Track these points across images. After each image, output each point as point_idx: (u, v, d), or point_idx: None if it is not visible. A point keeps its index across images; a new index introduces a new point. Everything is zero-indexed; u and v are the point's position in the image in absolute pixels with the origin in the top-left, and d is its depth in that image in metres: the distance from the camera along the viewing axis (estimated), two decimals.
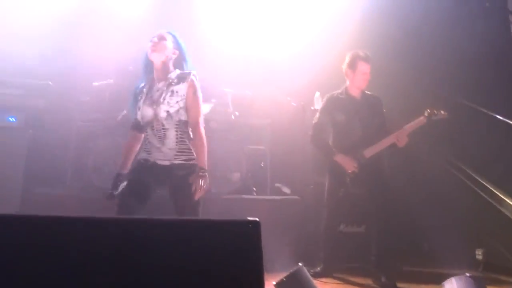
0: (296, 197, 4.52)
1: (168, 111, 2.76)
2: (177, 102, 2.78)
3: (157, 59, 2.83)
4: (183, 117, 2.82)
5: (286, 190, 4.83)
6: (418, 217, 4.47)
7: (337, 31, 5.09)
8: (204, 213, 4.10)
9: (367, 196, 3.77)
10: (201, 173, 2.71)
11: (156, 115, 2.78)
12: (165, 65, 2.85)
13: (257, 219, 1.31)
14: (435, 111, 3.77)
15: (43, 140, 4.27)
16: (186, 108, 2.82)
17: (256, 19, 5.69)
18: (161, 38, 2.84)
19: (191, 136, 2.83)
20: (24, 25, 4.37)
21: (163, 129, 2.79)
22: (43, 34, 4.34)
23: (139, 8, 5.11)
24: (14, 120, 4.27)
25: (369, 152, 3.79)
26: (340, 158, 3.79)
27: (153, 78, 2.90)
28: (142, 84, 2.93)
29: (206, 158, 2.77)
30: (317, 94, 4.57)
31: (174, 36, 2.92)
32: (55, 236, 1.26)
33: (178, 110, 2.79)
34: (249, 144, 5.00)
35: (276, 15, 5.73)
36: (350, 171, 3.74)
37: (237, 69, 5.22)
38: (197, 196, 2.67)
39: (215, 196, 4.40)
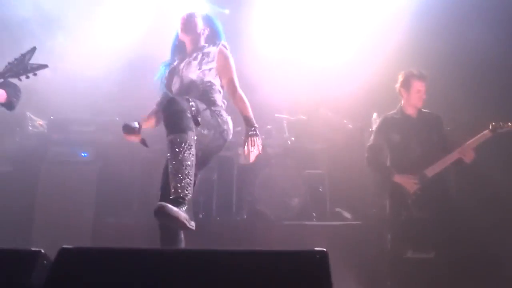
0: (358, 222, 4.40)
1: (194, 77, 2.65)
2: (207, 63, 2.68)
3: (187, 37, 2.80)
4: (212, 79, 2.69)
5: (347, 214, 4.71)
6: (490, 243, 4.14)
7: (393, 49, 4.98)
8: (265, 240, 4.16)
9: (435, 221, 3.57)
10: (252, 132, 2.58)
11: (181, 82, 2.68)
12: (195, 42, 2.81)
13: (325, 250, 1.30)
14: (501, 124, 3.54)
15: (112, 172, 4.52)
16: (218, 70, 2.72)
17: (308, 41, 5.74)
18: (190, 16, 2.82)
19: (219, 103, 2.69)
20: (92, 67, 4.72)
21: (185, 90, 2.66)
22: (110, 74, 4.65)
23: None
24: (86, 155, 4.58)
25: (431, 171, 3.61)
26: (400, 179, 3.64)
27: (184, 56, 2.83)
28: (175, 62, 2.86)
29: (252, 115, 2.66)
30: (375, 115, 4.47)
31: (205, 15, 2.92)
32: (132, 268, 1.33)
33: (209, 70, 2.68)
34: (307, 168, 4.98)
35: (328, 37, 5.73)
36: (411, 192, 3.59)
37: (291, 95, 5.27)
38: (253, 157, 2.55)
39: (274, 223, 4.40)
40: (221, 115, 2.61)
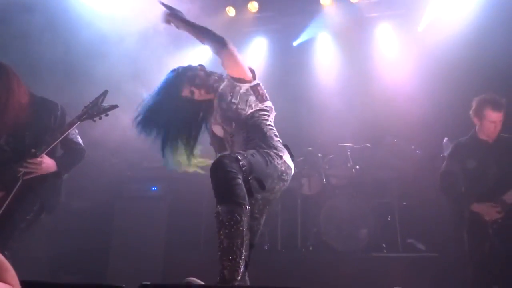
0: (433, 254, 4.11)
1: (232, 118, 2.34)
2: (228, 93, 2.35)
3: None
4: (248, 107, 2.33)
5: (421, 246, 4.43)
6: None
7: (464, 71, 4.75)
8: (332, 273, 4.02)
9: None
10: None
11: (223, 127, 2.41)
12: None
13: None
14: None
15: (180, 206, 4.69)
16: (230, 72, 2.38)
17: (371, 67, 5.69)
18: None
19: (270, 139, 2.30)
20: None
21: (231, 138, 2.40)
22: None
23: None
24: (156, 189, 4.82)
25: (510, 197, 3.31)
26: (478, 207, 3.36)
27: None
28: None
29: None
30: (445, 140, 4.23)
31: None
32: None
33: (236, 100, 2.33)
34: (374, 198, 4.80)
35: (392, 62, 5.64)
36: (491, 220, 3.30)
37: (355, 123, 5.19)
38: None
39: (342, 255, 4.26)
40: (275, 158, 2.22)
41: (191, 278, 1.91)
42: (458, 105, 4.08)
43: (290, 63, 5.96)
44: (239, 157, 2.04)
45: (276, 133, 2.37)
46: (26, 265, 3.41)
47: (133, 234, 4.53)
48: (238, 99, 2.33)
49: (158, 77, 2.49)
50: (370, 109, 5.26)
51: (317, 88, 5.76)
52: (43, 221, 3.11)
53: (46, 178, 2.82)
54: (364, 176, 4.88)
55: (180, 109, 2.43)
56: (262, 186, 2.11)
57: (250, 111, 2.32)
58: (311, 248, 4.51)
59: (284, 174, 2.23)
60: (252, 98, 2.35)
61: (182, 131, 2.49)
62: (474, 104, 3.56)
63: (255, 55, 5.98)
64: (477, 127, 3.58)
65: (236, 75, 2.36)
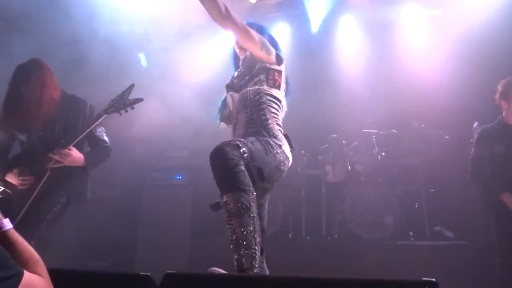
0: (462, 242, 4.01)
1: (240, 93, 2.32)
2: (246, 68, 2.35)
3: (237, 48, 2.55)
4: (257, 84, 2.31)
5: (449, 234, 4.33)
6: None
7: (492, 53, 4.56)
8: (358, 262, 3.99)
9: None
10: None
11: (232, 102, 2.37)
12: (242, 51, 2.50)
13: (434, 280, 1.18)
14: None
15: (204, 195, 4.73)
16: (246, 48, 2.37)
17: (396, 52, 5.53)
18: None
19: (272, 126, 2.26)
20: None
21: (236, 115, 2.35)
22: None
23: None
24: (180, 177, 4.88)
25: None
26: (508, 198, 3.29)
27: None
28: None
29: None
30: (476, 124, 4.09)
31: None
32: None
33: (249, 74, 2.33)
34: (400, 185, 4.72)
35: (418, 47, 5.47)
36: None
37: (379, 109, 5.07)
38: None
39: (367, 243, 4.21)
40: (274, 147, 2.17)
41: (214, 268, 1.91)
42: (488, 88, 3.92)
43: (313, 49, 5.86)
44: (240, 144, 2.00)
45: (280, 122, 2.33)
46: (57, 253, 3.54)
47: (159, 221, 4.61)
48: (250, 73, 2.32)
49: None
50: (396, 94, 5.12)
51: (341, 74, 5.65)
52: (72, 212, 3.22)
53: (73, 172, 2.91)
54: (390, 163, 4.80)
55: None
56: (261, 176, 2.08)
57: (255, 88, 2.29)
58: (336, 236, 4.48)
59: (282, 164, 2.19)
60: (262, 77, 2.31)
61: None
62: (500, 87, 3.47)
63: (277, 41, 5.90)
64: (504, 113, 3.50)
65: (251, 50, 2.32)
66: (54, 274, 1.33)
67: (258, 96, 2.27)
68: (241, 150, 1.97)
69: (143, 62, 5.49)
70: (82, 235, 4.61)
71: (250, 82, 2.30)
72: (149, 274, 1.55)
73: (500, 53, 4.51)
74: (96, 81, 4.09)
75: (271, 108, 2.29)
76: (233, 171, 1.90)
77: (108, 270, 4.47)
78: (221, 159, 1.92)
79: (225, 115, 2.46)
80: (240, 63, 2.43)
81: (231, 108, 2.37)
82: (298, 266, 4.06)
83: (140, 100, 2.85)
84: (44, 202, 2.76)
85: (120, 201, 4.88)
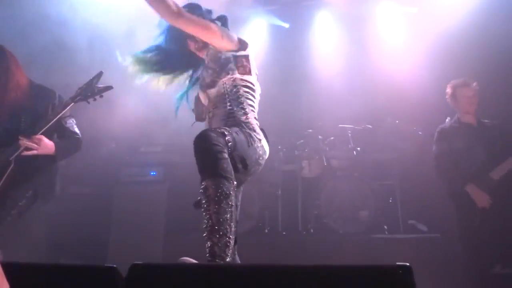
0: (436, 234, 4.09)
1: (215, 87, 2.25)
2: (213, 61, 2.26)
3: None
4: (230, 78, 2.24)
5: (422, 227, 4.40)
6: None
7: (463, 52, 4.68)
8: (334, 256, 4.00)
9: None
10: None
11: (208, 98, 2.30)
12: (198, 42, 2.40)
13: (408, 264, 1.17)
14: None
15: (179, 191, 4.65)
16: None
17: (371, 47, 5.58)
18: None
19: (250, 116, 2.23)
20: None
21: (212, 110, 2.30)
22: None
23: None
24: (154, 174, 4.78)
25: (497, 174, 3.48)
26: (471, 189, 3.49)
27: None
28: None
29: None
30: (448, 119, 4.17)
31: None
32: (200, 284, 1.31)
33: (219, 68, 2.25)
34: (375, 179, 4.77)
35: (392, 43, 5.55)
36: (480, 206, 3.45)
37: (355, 104, 5.11)
38: None
39: (343, 237, 4.23)
40: (256, 140, 2.17)
41: (184, 258, 1.86)
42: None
43: (290, 44, 5.86)
44: (225, 132, 1.96)
45: (256, 116, 2.29)
46: (26, 251, 3.41)
47: (132, 219, 4.51)
48: (219, 66, 2.24)
49: None
50: (371, 90, 5.18)
51: (317, 70, 5.67)
52: (41, 208, 3.08)
53: (40, 165, 2.78)
54: (365, 158, 4.84)
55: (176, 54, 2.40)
56: (244, 166, 2.05)
57: (228, 78, 2.23)
58: (312, 230, 4.49)
59: (260, 158, 2.18)
60: (231, 66, 2.25)
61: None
62: (447, 90, 3.82)
63: (253, 36, 5.87)
64: (458, 112, 3.80)
65: (213, 41, 2.22)
66: (13, 268, 1.25)
67: (235, 89, 2.23)
68: (226, 138, 1.94)
69: (119, 58, 5.34)
70: (52, 233, 4.46)
71: (221, 74, 2.24)
72: (115, 266, 1.48)
73: (473, 51, 4.61)
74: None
75: (248, 101, 2.25)
76: (217, 157, 1.86)
77: None
78: (206, 144, 1.87)
79: (198, 113, 2.40)
80: (206, 61, 2.31)
81: (206, 104, 2.32)
82: (274, 261, 4.04)
83: (109, 88, 2.73)
84: (8, 197, 2.63)
85: (92, 198, 4.74)
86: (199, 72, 2.44)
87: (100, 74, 2.75)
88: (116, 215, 4.62)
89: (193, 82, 2.50)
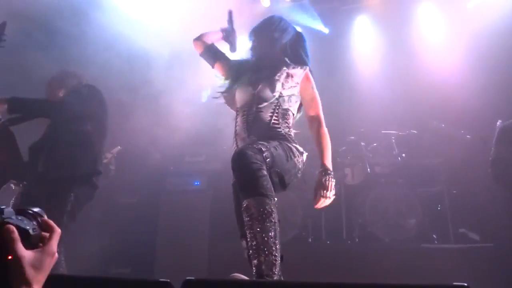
0: (488, 244, 3.89)
1: (271, 100, 2.27)
2: (290, 87, 2.32)
3: (263, 44, 2.50)
4: (291, 106, 2.33)
5: (475, 236, 4.20)
6: None
7: (504, 50, 4.45)
8: (380, 266, 3.90)
9: None
10: (329, 176, 2.19)
11: (253, 101, 2.29)
12: (274, 53, 2.50)
13: (466, 285, 1.13)
14: None
15: (223, 199, 4.72)
16: (304, 100, 2.37)
17: (415, 51, 5.44)
18: (277, 19, 2.54)
19: (292, 134, 2.28)
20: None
21: (255, 109, 2.28)
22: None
23: None
24: (198, 183, 4.88)
25: None
26: None
27: (257, 67, 2.52)
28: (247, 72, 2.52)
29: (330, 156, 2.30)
30: (499, 122, 3.97)
31: (288, 22, 2.61)
32: None
33: (289, 97, 2.31)
34: (422, 186, 4.61)
35: (439, 44, 5.37)
36: None
37: (398, 109, 4.99)
38: (322, 205, 2.22)
39: (389, 246, 4.12)
40: (296, 154, 2.18)
41: (236, 274, 1.89)
42: (510, 84, 3.82)
43: (328, 50, 5.81)
44: (263, 148, 1.97)
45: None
46: (78, 258, 3.58)
47: (178, 227, 4.62)
48: (292, 91, 2.30)
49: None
50: (414, 94, 5.04)
51: (358, 75, 5.60)
52: (91, 217, 3.19)
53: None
54: (410, 164, 4.70)
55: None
56: (282, 182, 2.05)
57: (289, 98, 2.28)
58: (357, 239, 4.40)
59: (299, 172, 2.20)
60: (296, 93, 2.32)
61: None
62: None
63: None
64: None
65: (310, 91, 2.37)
66: (71, 282, 1.33)
67: (287, 108, 2.27)
68: (264, 155, 1.95)
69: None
70: (104, 241, 4.66)
71: (284, 87, 2.27)
72: (168, 280, 1.53)
73: None
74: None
75: (290, 121, 2.31)
76: (256, 175, 1.87)
77: (129, 276, 4.50)
78: (244, 163, 1.89)
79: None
80: (283, 72, 2.33)
81: (246, 98, 2.30)
82: (318, 270, 3.99)
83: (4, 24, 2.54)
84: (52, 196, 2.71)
85: (140, 207, 4.91)
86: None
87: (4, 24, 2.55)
88: (162, 224, 4.76)
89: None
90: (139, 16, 4.68)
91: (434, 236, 4.18)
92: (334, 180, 2.20)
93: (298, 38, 2.50)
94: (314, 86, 2.38)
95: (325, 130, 2.32)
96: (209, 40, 2.53)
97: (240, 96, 2.34)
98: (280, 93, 2.26)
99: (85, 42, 4.16)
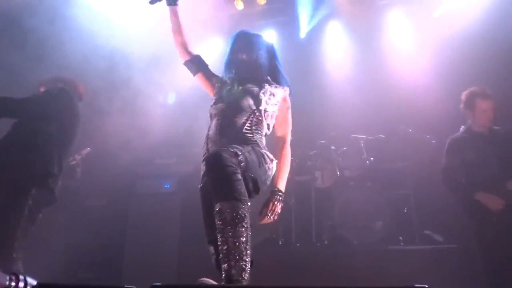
0: (452, 245, 4.03)
1: (249, 110, 2.31)
2: (272, 104, 2.37)
3: (247, 60, 2.55)
4: (268, 121, 2.38)
5: (438, 237, 4.34)
6: None
7: (480, 61, 4.63)
8: (348, 267, 3.97)
9: None
10: (279, 196, 2.24)
11: (234, 108, 2.32)
12: (257, 70, 2.55)
13: (426, 286, 1.16)
14: None
15: (193, 202, 4.68)
16: (278, 119, 2.43)
17: (383, 57, 5.57)
18: (258, 37, 2.64)
19: (264, 143, 2.33)
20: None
21: (230, 113, 2.32)
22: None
23: None
24: (168, 186, 4.82)
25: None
26: (482, 196, 3.36)
27: (242, 80, 2.54)
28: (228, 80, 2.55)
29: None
30: (462, 128, 4.13)
31: (270, 44, 2.71)
32: None
33: (269, 113, 2.36)
34: (389, 189, 4.73)
35: (405, 51, 5.52)
36: (495, 210, 3.30)
37: (367, 114, 5.10)
38: (265, 221, 2.25)
39: (357, 248, 4.21)
40: (267, 161, 2.22)
41: (204, 279, 1.87)
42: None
43: (301, 55, 5.88)
44: (238, 152, 1.97)
45: None
46: (43, 263, 3.46)
47: (147, 230, 4.55)
48: (274, 108, 2.36)
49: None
50: (383, 99, 5.16)
51: (329, 80, 5.68)
52: (58, 220, 3.11)
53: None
54: (378, 167, 4.81)
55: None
56: (255, 187, 2.06)
57: (269, 120, 2.35)
58: (326, 242, 4.47)
59: (268, 179, 2.22)
60: (276, 109, 2.39)
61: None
62: (463, 97, 3.66)
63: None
64: (470, 121, 3.66)
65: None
66: None
67: (262, 120, 2.30)
68: (239, 158, 1.95)
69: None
70: (69, 244, 4.54)
71: (268, 103, 2.32)
72: (134, 287, 1.50)
73: (486, 58, 4.56)
74: None
75: (263, 132, 2.34)
76: (231, 178, 1.86)
77: (95, 281, 4.38)
78: (219, 165, 1.88)
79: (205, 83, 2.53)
80: (267, 89, 2.39)
81: (226, 106, 2.31)
82: (288, 273, 4.03)
83: None
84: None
85: (108, 210, 4.80)
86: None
87: None
88: (131, 227, 4.67)
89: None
90: (110, 14, 4.61)
91: (401, 238, 4.30)
92: (282, 204, 2.26)
93: (275, 56, 2.58)
94: (290, 108, 2.46)
95: (288, 152, 2.39)
96: (189, 44, 2.56)
97: (220, 104, 2.35)
98: (265, 108, 2.31)
99: (60, 43, 4.07)
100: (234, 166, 1.90)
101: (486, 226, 3.36)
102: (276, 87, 2.42)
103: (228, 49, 2.54)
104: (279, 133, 2.44)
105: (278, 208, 2.23)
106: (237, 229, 1.80)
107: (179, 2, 2.56)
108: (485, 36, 4.68)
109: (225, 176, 1.86)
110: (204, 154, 2.21)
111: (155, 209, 4.65)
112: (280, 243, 4.55)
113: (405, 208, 4.59)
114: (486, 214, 3.35)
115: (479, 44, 4.69)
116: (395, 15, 5.68)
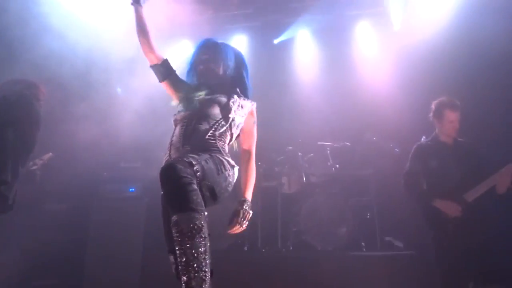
0: (410, 251, 4.16)
1: (217, 118, 2.32)
2: (241, 116, 2.41)
3: (213, 69, 2.57)
4: (233, 131, 2.40)
5: (399, 243, 4.48)
6: None
7: (441, 71, 4.82)
8: (312, 272, 4.03)
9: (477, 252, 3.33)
10: (247, 206, 2.27)
11: (198, 116, 2.32)
12: (224, 79, 2.58)
13: None
14: None
15: (159, 207, 4.61)
16: (243, 131, 2.47)
17: (350, 65, 5.70)
18: (226, 46, 2.64)
19: (226, 150, 2.34)
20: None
21: (193, 121, 2.32)
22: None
23: None
24: (133, 190, 4.73)
25: (470, 196, 3.42)
26: (440, 203, 3.45)
27: (210, 89, 2.55)
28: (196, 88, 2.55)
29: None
30: (423, 138, 4.28)
31: (238, 52, 2.74)
32: None
33: (237, 124, 2.40)
34: (353, 196, 4.84)
35: (371, 61, 5.68)
36: (452, 216, 3.39)
37: (334, 121, 5.20)
38: (235, 230, 2.28)
39: (321, 254, 4.27)
40: (227, 167, 2.21)
41: None
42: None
43: (270, 61, 5.93)
44: (193, 162, 1.96)
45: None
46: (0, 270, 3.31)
47: (110, 236, 4.45)
48: (241, 120, 2.40)
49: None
50: (350, 108, 5.28)
51: (297, 87, 5.76)
52: (15, 226, 2.98)
53: None
54: (343, 174, 4.92)
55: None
56: (213, 195, 2.06)
57: (233, 130, 2.37)
58: (291, 247, 4.51)
59: (229, 186, 2.22)
60: (237, 118, 2.39)
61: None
62: (433, 107, 3.76)
63: None
64: (437, 130, 3.77)
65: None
66: None
67: (226, 130, 2.32)
68: (194, 168, 1.93)
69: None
70: (26, 250, 4.34)
71: (236, 114, 2.35)
72: None
73: (449, 69, 4.72)
74: None
75: (226, 140, 2.35)
76: (185, 189, 1.83)
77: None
78: (173, 177, 1.84)
79: (177, 93, 2.50)
80: (236, 100, 2.41)
81: (191, 114, 2.31)
82: (253, 278, 4.04)
83: None
84: None
85: (69, 214, 4.65)
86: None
87: None
88: (93, 232, 4.54)
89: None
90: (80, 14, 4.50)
91: (363, 244, 4.40)
92: (251, 212, 2.29)
93: (243, 64, 2.61)
94: (256, 122, 2.50)
95: (253, 164, 2.45)
96: (155, 47, 2.52)
97: (185, 111, 2.35)
98: (234, 118, 2.35)
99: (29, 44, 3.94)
100: (189, 176, 1.87)
101: (442, 233, 3.45)
102: (244, 99, 2.46)
103: (192, 56, 2.54)
104: (245, 146, 2.49)
105: (248, 217, 2.26)
106: (195, 240, 1.77)
107: (146, 2, 2.53)
108: (446, 49, 4.87)
109: (179, 188, 1.83)
110: (166, 161, 2.19)
111: (119, 213, 4.55)
112: (246, 248, 4.56)
113: (368, 215, 4.70)
114: (443, 222, 3.44)
115: (439, 56, 4.86)
116: (362, 26, 5.83)
